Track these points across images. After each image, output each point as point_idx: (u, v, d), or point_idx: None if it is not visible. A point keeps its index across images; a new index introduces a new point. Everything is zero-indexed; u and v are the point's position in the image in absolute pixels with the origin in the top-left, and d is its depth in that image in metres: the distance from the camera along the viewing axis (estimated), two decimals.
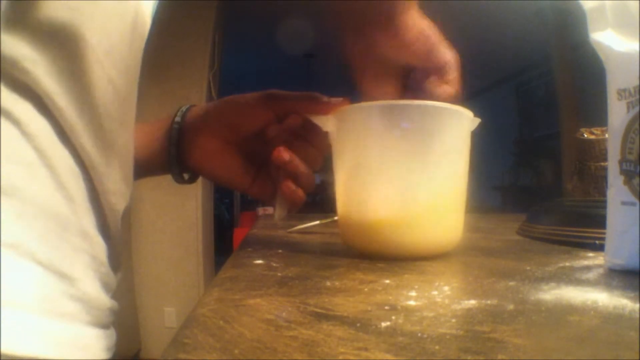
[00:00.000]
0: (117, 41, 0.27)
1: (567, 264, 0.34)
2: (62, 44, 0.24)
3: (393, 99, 0.40)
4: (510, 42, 3.55)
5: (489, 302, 0.23)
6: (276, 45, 3.44)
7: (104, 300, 0.29)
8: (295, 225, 0.63)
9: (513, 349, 0.16)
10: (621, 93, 0.31)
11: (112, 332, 0.30)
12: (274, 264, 0.35)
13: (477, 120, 0.39)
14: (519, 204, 3.72)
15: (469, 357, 0.15)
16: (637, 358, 0.15)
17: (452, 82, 0.39)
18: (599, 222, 0.34)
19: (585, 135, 0.58)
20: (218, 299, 0.24)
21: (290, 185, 0.41)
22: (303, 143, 0.42)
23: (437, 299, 0.24)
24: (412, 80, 0.41)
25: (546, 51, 3.16)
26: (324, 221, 0.64)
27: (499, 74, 4.60)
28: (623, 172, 0.31)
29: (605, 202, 0.32)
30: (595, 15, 0.32)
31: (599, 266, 0.33)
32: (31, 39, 0.23)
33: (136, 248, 2.28)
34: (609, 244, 0.32)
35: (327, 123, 0.40)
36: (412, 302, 0.23)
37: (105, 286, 0.29)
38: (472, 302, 0.23)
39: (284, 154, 0.40)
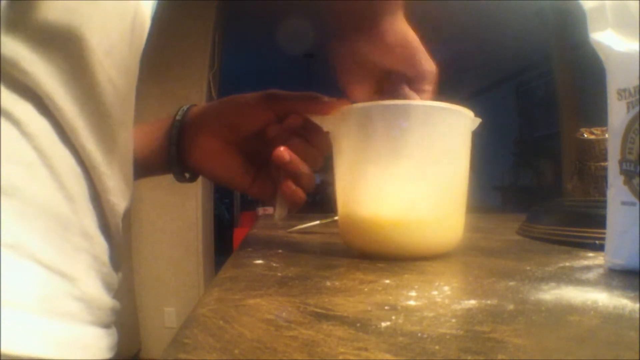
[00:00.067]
0: (117, 41, 0.27)
1: (567, 264, 0.34)
2: (62, 44, 0.24)
3: (370, 100, 0.41)
4: (510, 42, 3.55)
5: (489, 302, 0.23)
6: (276, 45, 3.44)
7: (106, 300, 0.29)
8: (295, 225, 0.63)
9: (513, 349, 0.16)
10: (621, 93, 0.31)
11: (113, 332, 0.30)
12: (274, 264, 0.35)
13: (478, 120, 0.39)
14: (519, 204, 3.71)
15: (469, 357, 0.15)
16: (637, 358, 0.15)
17: (426, 93, 0.40)
18: (599, 222, 0.34)
19: (585, 135, 0.58)
20: (218, 299, 0.24)
21: (290, 185, 0.42)
22: (303, 143, 0.42)
23: (437, 299, 0.24)
24: (388, 84, 0.41)
25: (546, 51, 3.16)
26: (324, 221, 0.64)
27: (499, 74, 4.60)
28: (623, 172, 0.31)
29: (605, 202, 0.32)
30: (595, 15, 0.32)
31: (599, 266, 0.33)
32: (31, 40, 0.23)
33: (136, 248, 2.28)
34: (609, 244, 0.32)
35: (327, 123, 0.40)
36: (412, 302, 0.23)
37: (107, 286, 0.29)
38: (472, 302, 0.23)
39: (284, 154, 0.40)
